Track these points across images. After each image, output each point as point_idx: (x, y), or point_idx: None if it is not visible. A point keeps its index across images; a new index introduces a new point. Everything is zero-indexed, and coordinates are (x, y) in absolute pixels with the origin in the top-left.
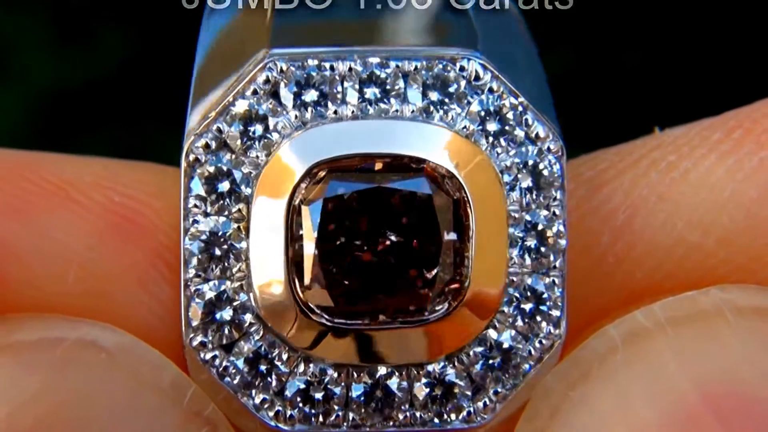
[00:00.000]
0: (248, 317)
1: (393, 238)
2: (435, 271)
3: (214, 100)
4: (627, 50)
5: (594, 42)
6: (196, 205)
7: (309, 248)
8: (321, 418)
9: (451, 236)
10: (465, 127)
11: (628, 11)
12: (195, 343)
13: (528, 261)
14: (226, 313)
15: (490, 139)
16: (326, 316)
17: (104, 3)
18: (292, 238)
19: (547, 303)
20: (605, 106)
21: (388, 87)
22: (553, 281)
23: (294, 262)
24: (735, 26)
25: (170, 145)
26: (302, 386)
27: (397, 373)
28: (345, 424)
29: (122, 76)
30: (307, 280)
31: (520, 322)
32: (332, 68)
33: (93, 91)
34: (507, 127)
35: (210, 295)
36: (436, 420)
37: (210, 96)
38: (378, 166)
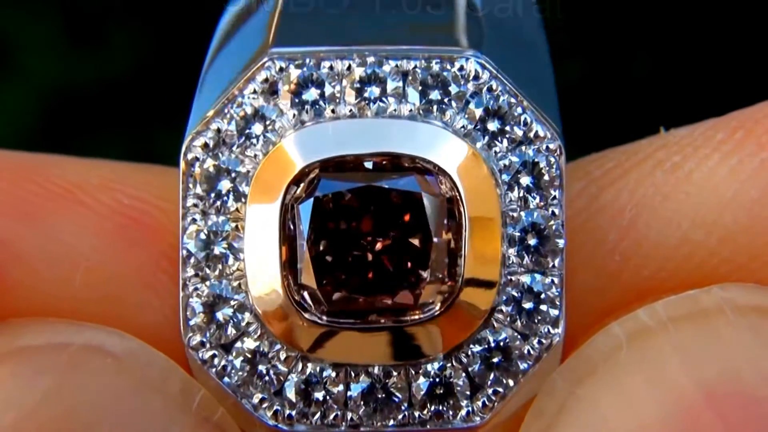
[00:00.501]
0: (247, 316)
1: (385, 236)
2: (428, 269)
3: (214, 99)
4: (638, 59)
5: (605, 51)
6: (194, 204)
7: (302, 247)
8: (320, 418)
9: (444, 235)
10: (463, 126)
11: (639, 20)
12: (194, 342)
13: (527, 260)
14: (225, 313)
15: (489, 138)
16: (321, 316)
17: (115, 3)
18: (286, 237)
19: (546, 302)
20: (617, 113)
21: (386, 86)
22: (552, 281)
23: (288, 262)
24: (749, 34)
25: (179, 147)
26: (301, 386)
27: (395, 373)
28: (344, 423)
29: (132, 78)
30: (300, 280)
31: (518, 322)
32: (331, 68)
33: (102, 92)
34: (506, 127)
35: (208, 294)
36: (435, 419)
37: (212, 95)
38: (372, 165)
